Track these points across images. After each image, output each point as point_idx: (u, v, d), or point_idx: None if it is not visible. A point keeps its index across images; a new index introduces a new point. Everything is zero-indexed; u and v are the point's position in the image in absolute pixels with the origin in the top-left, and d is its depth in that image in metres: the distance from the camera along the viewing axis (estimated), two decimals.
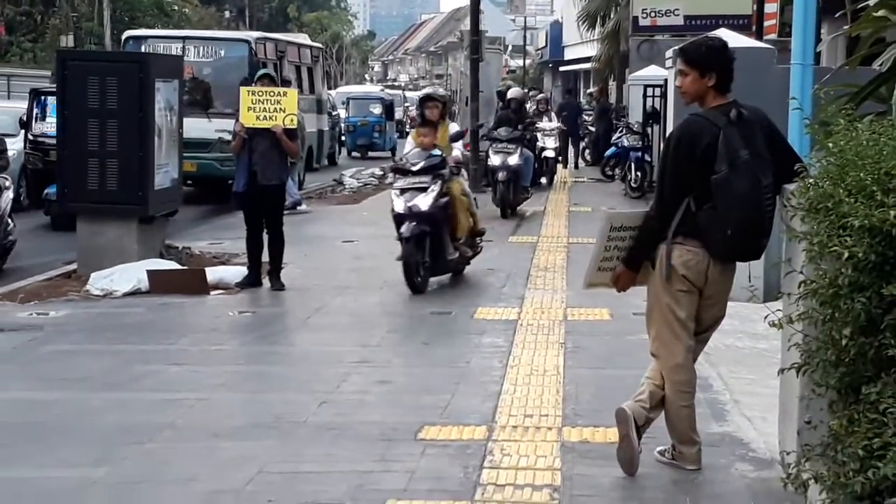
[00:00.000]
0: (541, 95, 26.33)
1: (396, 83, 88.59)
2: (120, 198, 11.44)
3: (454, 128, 11.52)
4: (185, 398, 7.05)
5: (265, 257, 11.09)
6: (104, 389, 7.31)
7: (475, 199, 11.83)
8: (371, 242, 14.08)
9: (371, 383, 7.44)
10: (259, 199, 10.89)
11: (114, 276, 10.76)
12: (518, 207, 17.49)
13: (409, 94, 56.56)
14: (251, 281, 10.98)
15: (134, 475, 5.63)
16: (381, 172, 25.22)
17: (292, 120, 10.84)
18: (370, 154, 33.20)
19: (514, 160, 16.95)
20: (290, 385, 7.51)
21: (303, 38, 26.34)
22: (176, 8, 45.66)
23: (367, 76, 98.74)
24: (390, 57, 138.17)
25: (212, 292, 10.67)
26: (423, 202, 10.48)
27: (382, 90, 40.44)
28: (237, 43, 20.39)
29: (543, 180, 22.20)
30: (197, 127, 17.43)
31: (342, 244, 14.24)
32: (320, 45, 27.92)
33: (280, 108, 10.76)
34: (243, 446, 6.04)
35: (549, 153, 22.61)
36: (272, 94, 10.83)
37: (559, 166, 24.52)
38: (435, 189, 10.54)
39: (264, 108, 10.77)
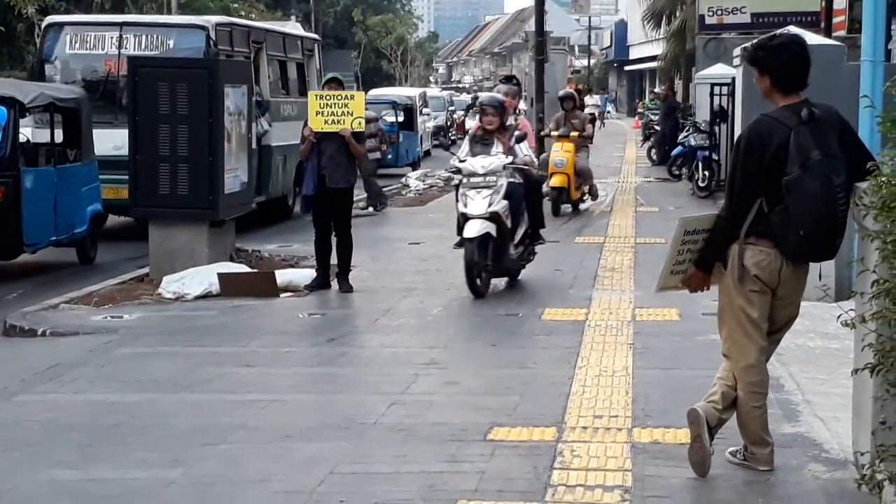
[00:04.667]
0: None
1: (461, 85, 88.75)
2: (191, 202, 11.59)
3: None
4: (258, 399, 7.14)
5: (333, 260, 11.18)
6: (178, 391, 7.42)
7: None
8: (437, 244, 14.12)
9: (440, 385, 7.48)
10: (327, 202, 10.98)
11: (185, 280, 10.91)
12: None
13: (461, 97, 53.04)
14: (320, 283, 11.08)
15: (209, 476, 5.72)
16: (447, 174, 25.25)
17: (360, 123, 10.94)
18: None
19: None
20: (359, 386, 7.57)
21: (291, 27, 21.49)
22: (243, 13, 46.06)
23: (431, 78, 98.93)
24: (454, 59, 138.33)
25: (281, 295, 10.78)
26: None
27: (443, 90, 36.73)
28: (190, 30, 15.96)
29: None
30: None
31: (409, 246, 14.31)
32: (315, 37, 22.49)
33: (347, 112, 10.86)
34: (315, 447, 6.10)
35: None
36: (339, 97, 10.93)
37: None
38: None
39: (332, 112, 10.86)
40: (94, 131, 14.82)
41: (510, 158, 10.69)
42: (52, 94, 13.34)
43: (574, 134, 17.42)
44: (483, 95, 12.69)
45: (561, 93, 19.47)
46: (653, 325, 9.18)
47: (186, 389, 7.47)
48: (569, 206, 17.55)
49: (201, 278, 10.89)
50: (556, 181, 16.96)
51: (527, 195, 11.02)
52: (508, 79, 13.03)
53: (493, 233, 10.33)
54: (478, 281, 10.36)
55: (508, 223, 10.58)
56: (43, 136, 13.57)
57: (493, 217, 10.37)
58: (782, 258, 5.33)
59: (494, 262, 10.47)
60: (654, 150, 29.31)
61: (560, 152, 17.28)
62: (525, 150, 11.05)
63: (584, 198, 18.05)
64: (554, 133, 17.68)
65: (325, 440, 6.24)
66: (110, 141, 14.60)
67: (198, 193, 11.60)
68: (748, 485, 5.43)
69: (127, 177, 12.94)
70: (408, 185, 23.51)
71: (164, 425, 6.63)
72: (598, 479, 5.47)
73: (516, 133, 11.04)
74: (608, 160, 29.35)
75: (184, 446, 6.18)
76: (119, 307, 10.38)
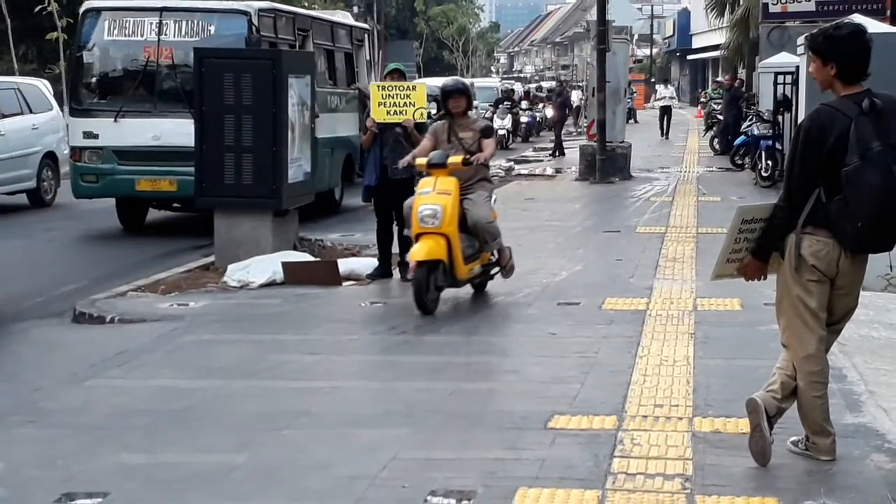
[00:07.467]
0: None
1: (521, 75, 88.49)
2: (255, 192, 11.74)
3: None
4: (321, 386, 7.23)
5: (395, 249, 11.27)
6: (243, 378, 7.54)
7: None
8: None
9: (500, 373, 7.53)
10: (389, 192, 11.06)
11: (250, 268, 11.05)
12: None
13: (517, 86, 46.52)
14: (381, 272, 11.17)
15: (273, 460, 5.81)
16: (508, 164, 25.30)
17: (422, 114, 11.02)
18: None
19: None
20: (420, 374, 7.63)
21: (341, 16, 20.62)
22: (306, 3, 46.33)
23: (492, 68, 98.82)
24: (516, 49, 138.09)
25: (344, 283, 10.89)
26: None
27: (502, 80, 34.50)
28: (232, 16, 15.32)
29: None
30: (179, 131, 13.43)
31: None
32: (365, 27, 21.79)
33: (410, 102, 10.93)
34: (377, 433, 6.17)
35: None
36: (401, 88, 11.01)
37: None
38: None
39: (394, 103, 10.95)
40: (132, 121, 14.68)
41: None
42: None
43: (455, 160, 9.59)
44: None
45: (447, 81, 11.03)
46: (714, 315, 9.16)
47: (251, 376, 7.58)
48: (456, 288, 9.81)
49: (265, 267, 11.03)
50: (421, 251, 9.25)
51: None
52: None
53: None
54: None
55: None
56: None
57: None
58: (840, 248, 5.31)
59: None
60: (716, 140, 29.13)
61: (431, 195, 9.41)
62: None
63: (492, 272, 10.27)
64: (420, 161, 9.79)
65: (387, 427, 6.32)
66: (149, 131, 14.59)
67: (262, 183, 11.74)
68: (809, 474, 5.43)
69: (164, 168, 13.97)
70: None
71: (229, 411, 6.74)
72: (659, 468, 5.49)
73: None
74: (670, 149, 29.20)
75: (248, 431, 6.28)
76: (185, 295, 10.54)
